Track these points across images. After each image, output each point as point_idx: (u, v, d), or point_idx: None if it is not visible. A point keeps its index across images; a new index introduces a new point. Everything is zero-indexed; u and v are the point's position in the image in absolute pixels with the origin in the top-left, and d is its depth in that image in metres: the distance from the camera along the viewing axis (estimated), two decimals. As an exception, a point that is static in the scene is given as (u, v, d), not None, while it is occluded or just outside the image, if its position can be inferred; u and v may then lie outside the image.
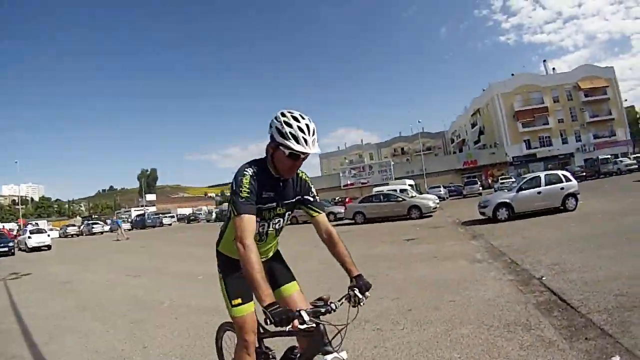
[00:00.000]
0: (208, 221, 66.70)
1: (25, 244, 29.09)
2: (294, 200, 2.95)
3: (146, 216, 64.39)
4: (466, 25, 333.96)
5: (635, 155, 52.56)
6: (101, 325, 6.98)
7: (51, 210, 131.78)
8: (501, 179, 51.27)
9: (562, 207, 17.14)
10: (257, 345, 3.00)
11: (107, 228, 57.40)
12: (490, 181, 62.64)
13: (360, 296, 2.59)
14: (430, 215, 24.71)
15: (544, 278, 7.16)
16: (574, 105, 69.50)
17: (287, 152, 2.53)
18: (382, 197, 27.16)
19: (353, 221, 26.46)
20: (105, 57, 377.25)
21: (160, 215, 70.37)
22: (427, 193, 38.87)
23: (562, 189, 17.26)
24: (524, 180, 18.26)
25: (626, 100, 74.58)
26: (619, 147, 64.18)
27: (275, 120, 2.58)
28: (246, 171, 2.68)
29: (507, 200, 17.30)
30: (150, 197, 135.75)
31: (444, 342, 4.80)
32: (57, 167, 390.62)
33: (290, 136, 2.50)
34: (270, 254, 3.18)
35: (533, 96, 70.17)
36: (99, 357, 5.31)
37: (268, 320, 2.19)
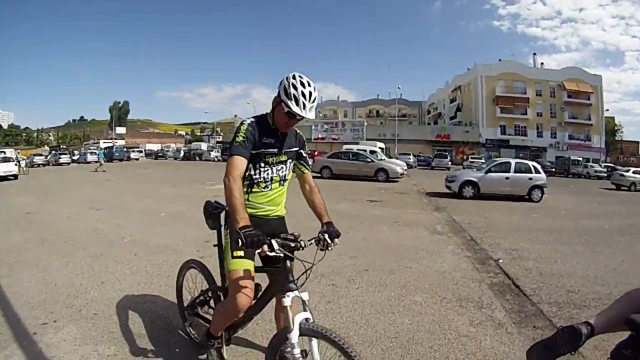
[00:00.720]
0: (175, 159, 66.16)
1: None
2: (294, 149, 3.15)
3: (114, 149, 63.17)
4: (462, 3, 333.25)
5: (606, 164, 53.68)
6: (60, 258, 6.91)
7: (19, 138, 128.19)
8: (471, 157, 52.21)
9: (527, 197, 17.47)
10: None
11: (75, 159, 56.57)
12: (460, 158, 63.14)
13: (329, 241, 2.75)
14: (397, 181, 24.99)
15: (500, 261, 7.34)
16: (556, 102, 70.49)
17: (286, 109, 2.77)
18: (351, 155, 27.15)
19: (319, 175, 26.27)
20: None
21: (129, 149, 69.13)
22: (397, 158, 38.59)
23: (530, 179, 17.58)
24: (494, 163, 18.56)
25: (608, 110, 75.44)
26: (592, 152, 65.86)
27: (285, 80, 2.81)
28: (245, 121, 2.95)
29: (475, 179, 17.55)
30: (120, 130, 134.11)
31: (397, 306, 4.93)
32: (28, 95, 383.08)
33: (292, 97, 2.73)
34: (277, 210, 3.15)
35: (516, 85, 70.60)
36: (57, 291, 5.27)
37: (240, 241, 2.31)
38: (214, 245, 3.36)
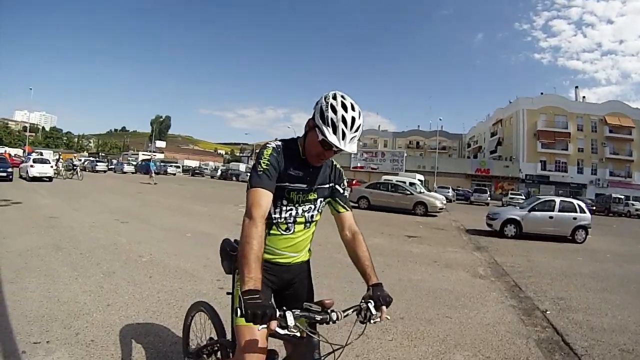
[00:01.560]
0: (212, 177, 66.72)
1: (27, 172, 28.15)
2: (327, 186, 2.54)
3: (151, 162, 64.00)
4: (504, 35, 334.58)
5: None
6: (71, 270, 6.59)
7: (60, 142, 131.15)
8: (511, 193, 50.80)
9: (570, 238, 16.54)
10: None
11: (111, 167, 57.72)
12: (499, 193, 61.84)
13: (374, 312, 2.04)
14: (435, 215, 24.22)
15: (548, 312, 6.65)
16: (597, 137, 68.63)
17: (320, 137, 2.18)
18: (390, 187, 26.43)
19: (357, 205, 25.49)
20: None
21: (166, 163, 70.04)
22: (435, 192, 38.09)
23: (574, 219, 16.64)
24: (538, 202, 17.66)
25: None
26: (633, 189, 62.85)
27: (323, 100, 2.23)
28: (269, 144, 2.36)
29: (517, 218, 16.76)
30: (160, 144, 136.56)
31: (435, 366, 4.26)
32: (72, 100, 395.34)
33: (330, 123, 2.15)
34: (300, 256, 2.54)
35: (558, 119, 69.17)
36: (58, 307, 4.90)
37: (239, 311, 1.68)
38: (227, 294, 2.64)
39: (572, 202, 17.63)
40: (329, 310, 1.95)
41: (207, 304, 3.16)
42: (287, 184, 2.31)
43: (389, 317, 2.09)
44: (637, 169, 67.35)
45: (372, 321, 2.04)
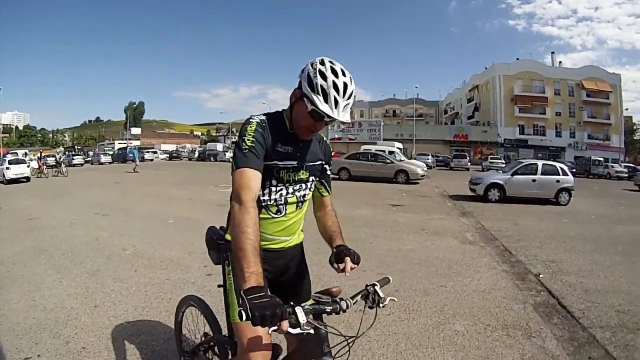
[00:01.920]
0: (190, 159, 66.22)
1: (3, 174, 27.12)
2: (318, 163, 2.33)
3: (128, 150, 63.25)
4: (478, 3, 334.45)
5: (625, 164, 52.36)
6: (55, 274, 6.36)
7: (34, 139, 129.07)
8: (491, 158, 51.00)
9: (553, 200, 16.77)
10: None
11: (88, 159, 56.85)
12: (478, 158, 62.10)
13: (382, 295, 1.91)
14: (417, 183, 24.33)
15: (541, 276, 6.70)
16: (574, 102, 69.24)
17: (309, 107, 1.96)
18: (370, 156, 26.38)
19: (337, 177, 25.44)
20: None
21: (143, 149, 69.14)
22: (415, 159, 38.08)
23: (557, 181, 16.84)
24: (520, 165, 17.73)
25: (627, 109, 74.21)
26: (611, 152, 64.01)
27: (309, 66, 2.00)
28: (253, 118, 2.11)
29: (501, 182, 16.85)
30: (136, 130, 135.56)
31: (436, 338, 4.22)
32: (44, 96, 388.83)
33: (319, 90, 1.92)
34: (293, 239, 2.33)
35: (535, 84, 69.43)
36: (45, 316, 4.71)
37: (244, 313, 1.45)
38: (218, 286, 2.43)
39: (554, 165, 17.86)
40: (337, 299, 1.80)
41: (197, 297, 2.96)
42: (275, 161, 2.08)
43: (395, 299, 1.99)
44: (614, 132, 68.20)
45: (381, 305, 1.90)
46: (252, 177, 1.92)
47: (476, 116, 78.42)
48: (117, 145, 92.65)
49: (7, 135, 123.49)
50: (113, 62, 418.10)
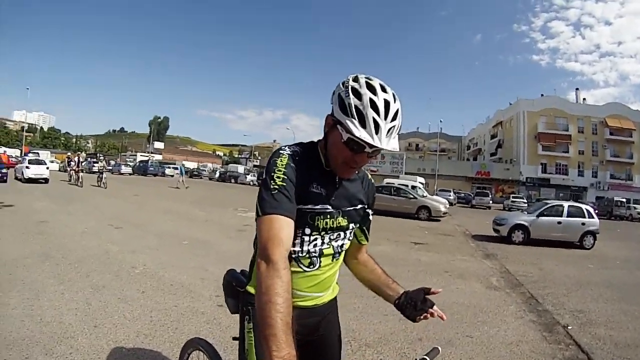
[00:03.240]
0: (210, 179, 66.51)
1: (22, 173, 27.68)
2: (360, 207, 1.89)
3: (149, 163, 63.90)
4: (503, 37, 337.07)
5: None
6: (57, 284, 6.12)
7: (57, 142, 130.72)
8: (512, 197, 50.28)
9: (578, 243, 16.14)
10: None
11: (109, 168, 57.37)
12: (500, 196, 61.24)
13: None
14: (439, 220, 23.68)
15: (569, 327, 6.22)
16: (598, 140, 68.06)
17: (345, 136, 1.53)
18: (392, 190, 25.69)
19: (357, 209, 25.01)
20: None
21: (164, 164, 69.87)
22: (436, 195, 37.69)
23: (582, 224, 16.22)
24: (546, 206, 17.15)
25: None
26: (634, 192, 61.90)
27: (340, 86, 1.59)
28: (284, 150, 1.69)
29: (525, 223, 16.30)
30: (159, 145, 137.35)
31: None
32: (71, 100, 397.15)
33: (353, 112, 1.50)
34: (326, 295, 1.92)
35: (559, 121, 68.62)
36: (40, 329, 4.45)
37: None
38: (233, 339, 2.09)
39: (580, 207, 17.26)
40: None
41: (205, 342, 2.57)
42: (309, 206, 1.67)
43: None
44: (637, 171, 66.73)
45: None
46: (283, 227, 1.49)
47: (499, 153, 77.81)
48: (139, 157, 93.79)
49: (31, 134, 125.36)
50: (141, 75, 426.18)
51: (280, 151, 1.67)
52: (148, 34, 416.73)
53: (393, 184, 28.98)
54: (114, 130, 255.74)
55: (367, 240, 2.06)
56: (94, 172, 49.11)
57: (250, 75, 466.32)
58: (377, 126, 1.49)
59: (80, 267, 7.19)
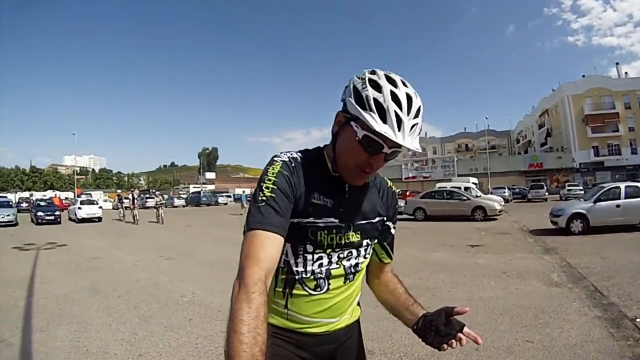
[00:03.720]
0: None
1: (75, 214, 28.87)
2: (376, 220, 1.61)
3: (201, 194, 65.36)
4: (535, 23, 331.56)
5: None
6: (106, 316, 6.26)
7: (110, 182, 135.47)
8: (568, 185, 48.70)
9: (639, 225, 15.35)
10: None
11: (162, 202, 59.37)
12: (555, 186, 59.33)
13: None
14: (495, 219, 23.10)
15: (638, 320, 5.70)
16: (646, 113, 64.91)
17: (360, 133, 1.32)
18: (445, 194, 25.39)
19: (412, 217, 24.81)
20: (169, 31, 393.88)
21: (217, 194, 71.27)
22: (491, 193, 37.07)
23: (643, 204, 15.43)
24: (602, 191, 16.36)
25: None
26: (692, 161, 59.51)
27: (355, 79, 1.37)
28: (278, 157, 1.48)
29: (583, 211, 15.57)
30: (210, 175, 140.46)
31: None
32: (120, 141, 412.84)
33: (372, 105, 1.28)
34: (342, 321, 1.59)
35: (604, 100, 65.77)
36: (85, 359, 4.56)
37: None
38: None
39: (638, 186, 16.37)
40: None
41: None
42: (310, 219, 1.43)
43: None
44: (693, 138, 63.08)
45: None
46: (265, 245, 1.28)
47: (549, 142, 75.53)
48: (192, 189, 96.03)
49: (84, 177, 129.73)
50: (187, 109, 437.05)
51: (275, 158, 1.48)
52: (188, 66, 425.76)
53: (445, 187, 28.66)
54: (165, 166, 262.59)
55: (391, 258, 1.75)
56: (148, 208, 50.54)
57: (293, 97, 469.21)
58: (399, 121, 1.28)
59: (128, 298, 7.32)
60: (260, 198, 1.35)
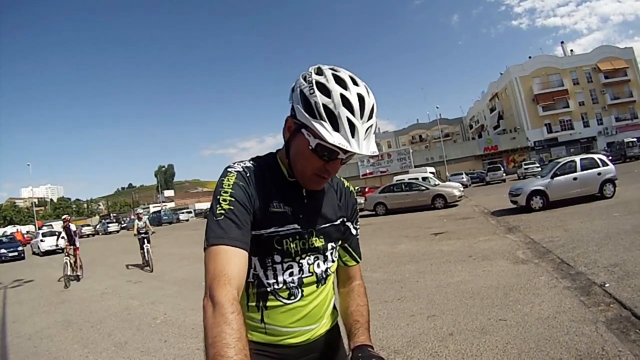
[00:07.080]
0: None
1: (39, 247, 28.38)
2: (337, 222, 1.59)
3: (162, 213, 64.51)
4: (478, 11, 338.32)
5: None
6: (81, 348, 6.18)
7: (69, 210, 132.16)
8: (525, 164, 49.66)
9: (599, 194, 15.82)
10: None
11: (124, 226, 58.79)
12: (512, 167, 60.84)
13: None
14: (456, 205, 23.41)
15: (606, 285, 5.89)
16: (594, 87, 66.81)
17: (313, 142, 1.29)
18: (404, 186, 25.55)
19: (374, 212, 25.02)
20: (114, 52, 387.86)
21: (177, 211, 70.44)
22: (449, 181, 37.53)
23: (599, 174, 15.87)
24: (558, 165, 16.74)
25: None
26: (641, 130, 61.74)
27: (301, 80, 1.33)
28: (232, 168, 1.44)
29: (542, 188, 15.94)
30: (169, 193, 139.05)
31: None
32: (76, 168, 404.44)
33: (322, 113, 1.24)
34: (321, 327, 1.57)
35: (552, 79, 67.68)
36: None
37: None
38: None
39: (592, 158, 16.86)
40: None
41: None
42: (272, 228, 1.40)
43: None
44: (640, 108, 66.01)
45: None
46: (231, 260, 1.24)
47: (502, 124, 77.14)
48: (152, 209, 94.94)
49: (43, 208, 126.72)
50: (141, 130, 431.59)
51: (228, 169, 1.44)
52: (137, 84, 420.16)
53: (403, 179, 28.82)
54: (123, 188, 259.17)
55: (356, 261, 1.72)
56: (109, 233, 49.72)
57: (245, 105, 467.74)
58: (352, 128, 1.24)
59: (102, 327, 7.26)
60: (218, 212, 1.30)
